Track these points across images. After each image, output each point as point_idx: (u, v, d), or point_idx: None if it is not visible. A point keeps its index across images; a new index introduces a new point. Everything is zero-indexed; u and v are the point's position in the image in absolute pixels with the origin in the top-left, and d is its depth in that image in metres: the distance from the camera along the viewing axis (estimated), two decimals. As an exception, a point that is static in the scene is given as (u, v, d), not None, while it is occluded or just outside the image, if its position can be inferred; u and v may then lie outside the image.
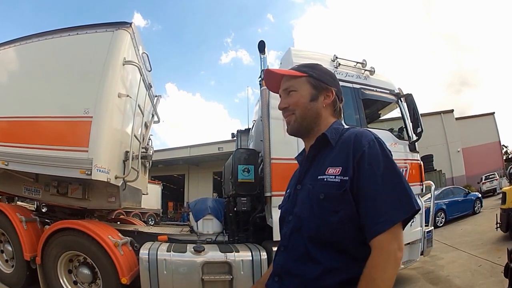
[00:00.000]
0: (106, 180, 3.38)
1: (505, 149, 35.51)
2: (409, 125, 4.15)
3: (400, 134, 4.16)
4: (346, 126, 1.12)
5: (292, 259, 1.02)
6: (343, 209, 0.95)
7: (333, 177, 0.98)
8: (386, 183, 0.93)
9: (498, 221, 6.98)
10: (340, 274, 0.93)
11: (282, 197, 1.25)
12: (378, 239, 0.89)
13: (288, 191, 1.21)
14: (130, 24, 3.85)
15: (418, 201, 3.79)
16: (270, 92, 3.62)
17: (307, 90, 1.12)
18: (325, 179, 0.99)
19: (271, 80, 1.22)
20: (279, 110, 1.19)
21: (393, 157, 1.00)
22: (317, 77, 1.13)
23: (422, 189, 4.20)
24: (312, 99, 1.11)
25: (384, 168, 0.94)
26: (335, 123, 1.12)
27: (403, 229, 0.94)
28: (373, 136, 1.01)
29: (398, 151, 3.89)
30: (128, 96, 3.80)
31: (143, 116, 4.41)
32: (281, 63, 4.14)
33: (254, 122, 5.30)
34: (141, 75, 4.02)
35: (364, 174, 0.94)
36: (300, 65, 1.19)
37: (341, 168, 0.98)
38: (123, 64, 3.69)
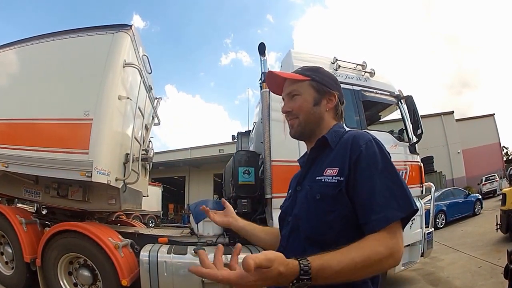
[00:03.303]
0: (106, 182, 3.39)
1: (505, 150, 35.52)
2: (409, 127, 4.15)
3: (400, 136, 4.17)
4: (347, 129, 1.12)
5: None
6: (338, 209, 0.94)
7: (330, 177, 0.98)
8: (383, 182, 0.91)
9: (498, 222, 6.98)
10: None
11: (283, 199, 1.25)
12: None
13: (289, 191, 1.21)
14: (130, 26, 3.86)
15: (417, 202, 3.80)
16: (271, 94, 3.66)
17: (311, 94, 1.11)
18: (323, 180, 0.99)
19: (273, 82, 1.21)
20: (279, 113, 1.19)
21: (393, 159, 0.99)
22: (320, 81, 1.13)
23: (422, 191, 4.20)
24: (316, 103, 1.11)
25: (381, 167, 0.93)
26: (335, 126, 1.12)
27: (403, 230, 0.91)
28: (370, 136, 1.00)
29: (399, 153, 3.90)
30: (128, 98, 3.81)
31: (143, 118, 4.42)
32: (281, 66, 4.14)
33: (254, 124, 5.30)
34: (141, 77, 4.02)
35: (361, 173, 0.93)
36: (303, 68, 1.17)
37: (338, 168, 0.97)
38: (124, 66, 3.70)
